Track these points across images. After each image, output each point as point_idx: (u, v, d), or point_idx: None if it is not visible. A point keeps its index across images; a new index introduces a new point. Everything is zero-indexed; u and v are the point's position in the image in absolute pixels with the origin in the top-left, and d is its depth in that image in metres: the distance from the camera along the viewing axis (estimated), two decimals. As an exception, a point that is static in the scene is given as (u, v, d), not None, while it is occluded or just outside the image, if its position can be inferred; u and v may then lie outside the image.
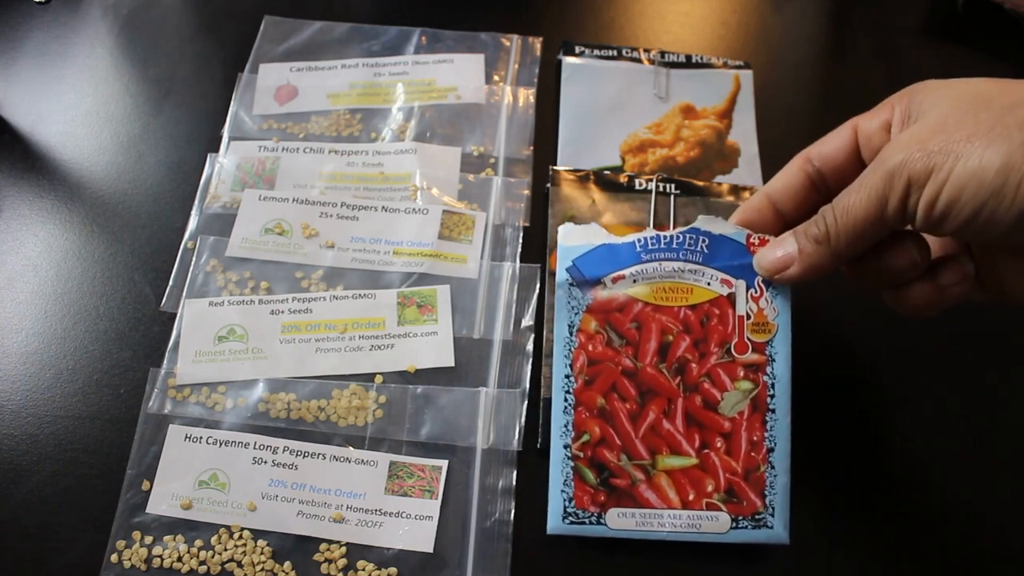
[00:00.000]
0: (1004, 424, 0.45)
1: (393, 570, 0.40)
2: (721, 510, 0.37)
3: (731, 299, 0.38)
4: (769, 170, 0.53)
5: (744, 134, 0.55)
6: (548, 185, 0.51)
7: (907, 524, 0.42)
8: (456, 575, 0.40)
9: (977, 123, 0.29)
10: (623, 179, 0.51)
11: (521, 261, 0.49)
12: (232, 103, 0.55)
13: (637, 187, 0.51)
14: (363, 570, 0.40)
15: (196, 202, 0.51)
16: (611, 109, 0.55)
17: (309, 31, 0.59)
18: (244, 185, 0.51)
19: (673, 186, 0.51)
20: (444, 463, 0.42)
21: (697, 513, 0.37)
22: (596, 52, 0.58)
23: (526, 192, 0.52)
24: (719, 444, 0.37)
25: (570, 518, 0.37)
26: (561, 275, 0.38)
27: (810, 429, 0.42)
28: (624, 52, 0.58)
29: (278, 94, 0.56)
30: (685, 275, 0.38)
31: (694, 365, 0.38)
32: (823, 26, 0.62)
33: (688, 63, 0.58)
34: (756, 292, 0.38)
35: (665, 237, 0.38)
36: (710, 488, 0.37)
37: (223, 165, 0.52)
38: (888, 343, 0.47)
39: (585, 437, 0.37)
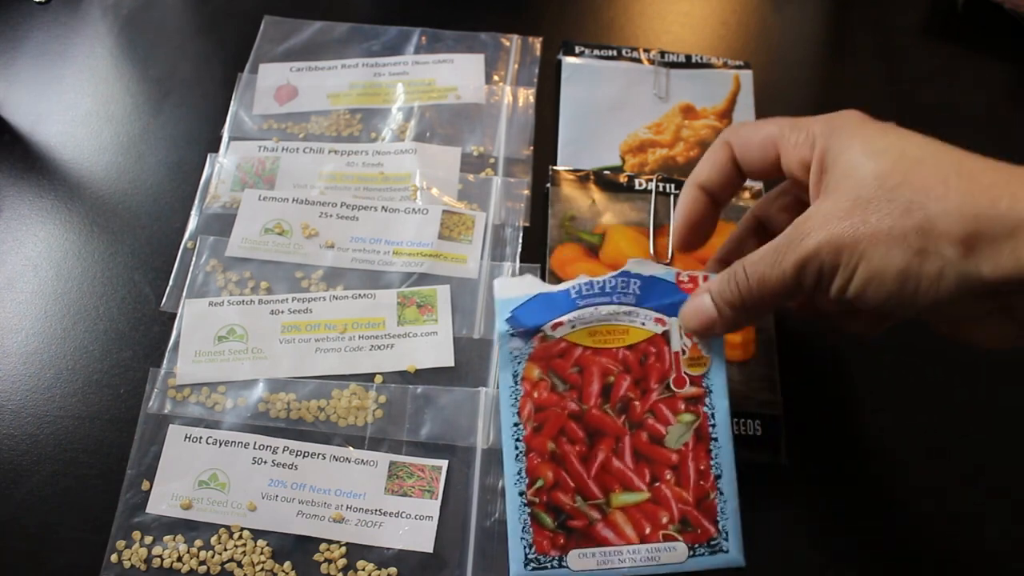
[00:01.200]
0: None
1: (393, 570, 0.40)
2: (678, 540, 0.38)
3: (666, 336, 0.39)
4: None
5: (744, 134, 0.55)
6: (548, 185, 0.51)
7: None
8: (456, 575, 0.40)
9: (880, 219, 0.30)
10: (623, 179, 0.51)
11: (521, 261, 0.49)
12: (232, 103, 0.55)
13: (637, 187, 0.51)
14: (363, 570, 0.40)
15: (196, 202, 0.51)
16: (611, 109, 0.55)
17: (309, 31, 0.59)
18: (244, 185, 0.51)
19: (673, 186, 0.51)
20: (444, 463, 0.42)
21: (655, 546, 0.38)
22: (596, 52, 0.58)
23: (526, 192, 0.52)
24: (668, 476, 0.38)
25: (532, 564, 0.38)
26: (501, 327, 0.39)
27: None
28: (624, 52, 0.58)
29: (278, 94, 0.56)
30: (620, 317, 0.39)
31: (637, 403, 0.39)
32: (823, 26, 0.62)
33: (688, 63, 0.58)
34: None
35: (598, 282, 0.39)
36: (665, 520, 0.38)
37: (223, 165, 0.52)
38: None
39: (539, 483, 0.38)
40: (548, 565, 0.38)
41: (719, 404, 0.39)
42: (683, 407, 0.39)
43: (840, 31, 0.62)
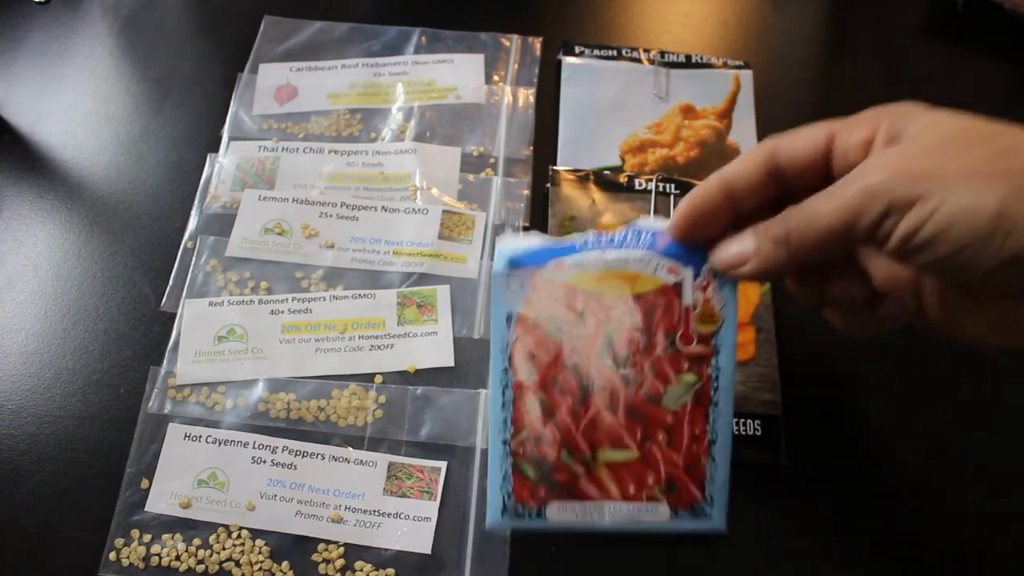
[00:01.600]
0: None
1: (391, 571, 0.40)
2: (661, 502, 0.37)
3: (678, 289, 0.36)
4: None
5: (744, 134, 0.55)
6: (548, 185, 0.51)
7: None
8: None
9: (974, 158, 0.27)
10: (623, 179, 0.51)
11: (521, 261, 0.49)
12: (232, 103, 0.55)
13: (637, 187, 0.51)
14: (361, 571, 0.40)
15: (196, 202, 0.51)
16: (611, 109, 0.55)
17: (309, 31, 0.59)
18: (244, 185, 0.51)
19: (673, 186, 0.51)
20: (443, 464, 0.42)
21: (637, 505, 0.37)
22: (596, 52, 0.58)
23: (526, 192, 0.52)
24: (661, 437, 0.36)
25: (509, 514, 0.36)
26: (498, 265, 0.36)
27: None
28: (624, 52, 0.58)
29: (278, 94, 0.56)
30: (630, 264, 0.36)
31: (638, 357, 0.36)
32: (823, 26, 0.62)
33: (688, 63, 0.58)
34: (703, 281, 0.36)
35: (607, 235, 0.36)
36: (651, 480, 0.36)
37: (223, 165, 0.52)
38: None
39: (525, 432, 0.36)
40: (526, 515, 0.36)
41: (725, 366, 0.36)
42: (686, 366, 0.36)
43: (840, 31, 0.62)
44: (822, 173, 0.33)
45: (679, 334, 0.36)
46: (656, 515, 0.37)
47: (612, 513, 0.37)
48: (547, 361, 0.37)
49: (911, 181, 0.27)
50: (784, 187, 0.34)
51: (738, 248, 0.34)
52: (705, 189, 0.35)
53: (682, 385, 0.36)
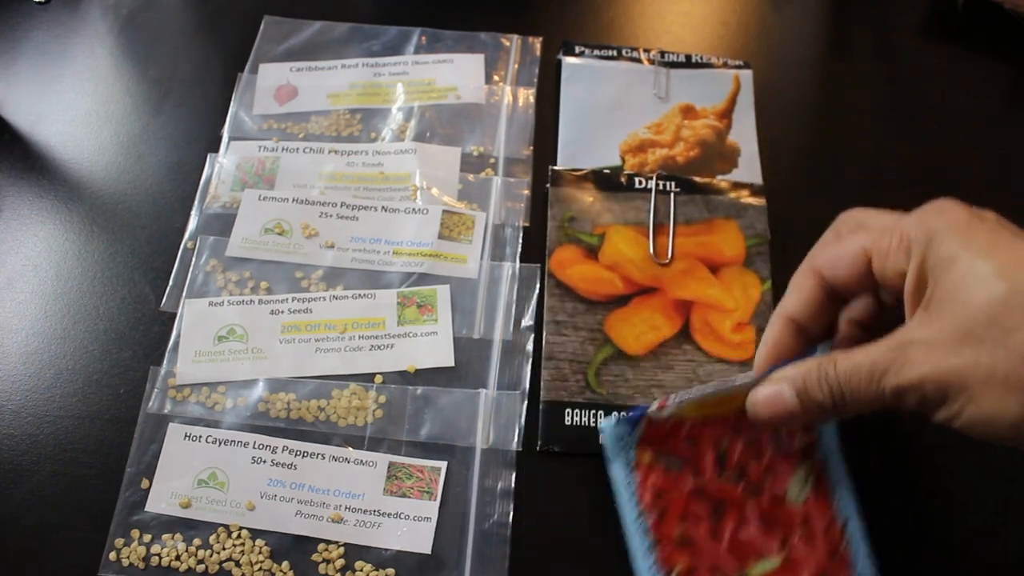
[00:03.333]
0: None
1: (391, 571, 0.40)
2: None
3: None
4: (769, 170, 0.53)
5: (744, 134, 0.55)
6: (548, 185, 0.51)
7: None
8: None
9: (994, 363, 0.28)
10: (623, 179, 0.51)
11: (521, 261, 0.49)
12: (232, 103, 0.55)
13: (637, 186, 0.51)
14: (361, 571, 0.40)
15: (196, 202, 0.51)
16: (611, 109, 0.55)
17: (309, 31, 0.59)
18: (244, 185, 0.51)
19: (673, 184, 0.51)
20: (443, 464, 0.42)
21: None
22: (596, 52, 0.58)
23: (526, 192, 0.52)
24: (799, 535, 0.37)
25: None
26: (605, 424, 0.39)
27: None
28: (624, 52, 0.58)
29: (278, 94, 0.56)
30: (725, 385, 0.38)
31: (753, 464, 0.38)
32: (823, 26, 0.62)
33: (688, 63, 0.58)
34: None
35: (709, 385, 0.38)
36: None
37: (223, 165, 0.52)
38: None
39: (675, 572, 0.37)
40: None
41: (830, 447, 0.38)
42: (799, 459, 0.38)
43: (840, 31, 0.62)
44: (867, 281, 0.34)
45: (782, 432, 0.38)
46: None
47: None
48: (675, 494, 0.38)
49: (940, 387, 0.29)
50: (837, 299, 0.36)
51: (781, 408, 0.35)
52: (773, 335, 0.37)
53: (799, 479, 0.38)
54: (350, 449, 0.43)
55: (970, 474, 0.43)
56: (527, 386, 0.45)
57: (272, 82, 0.56)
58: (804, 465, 0.38)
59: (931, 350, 0.30)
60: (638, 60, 0.57)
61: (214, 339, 0.46)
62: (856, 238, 0.34)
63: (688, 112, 0.56)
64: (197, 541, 0.40)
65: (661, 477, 0.38)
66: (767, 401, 0.35)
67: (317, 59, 0.58)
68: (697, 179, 0.51)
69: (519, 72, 0.57)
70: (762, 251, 0.49)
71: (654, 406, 0.38)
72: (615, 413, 0.39)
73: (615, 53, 0.58)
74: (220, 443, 0.43)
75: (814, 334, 0.37)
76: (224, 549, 0.40)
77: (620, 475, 0.38)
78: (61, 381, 0.45)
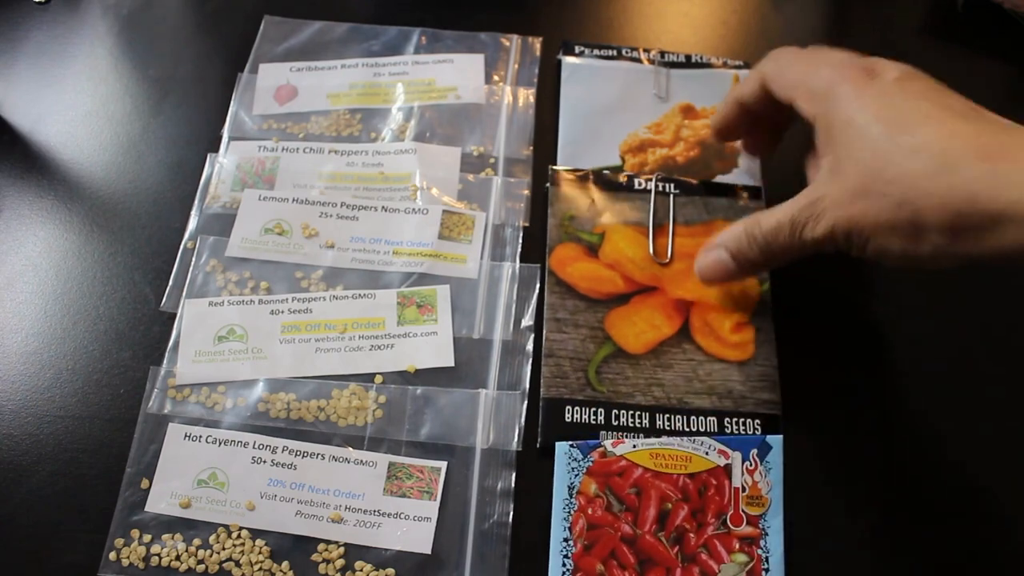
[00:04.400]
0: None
1: (391, 571, 0.40)
2: None
3: (727, 470, 0.39)
4: (769, 170, 0.53)
5: (744, 134, 0.55)
6: (548, 185, 0.51)
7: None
8: None
9: (879, 211, 0.35)
10: (623, 179, 0.51)
11: (521, 261, 0.49)
12: (232, 103, 0.55)
13: (636, 187, 0.51)
14: (361, 571, 0.40)
15: (196, 202, 0.51)
16: (611, 109, 0.55)
17: (309, 31, 0.59)
18: (244, 185, 0.51)
19: (672, 185, 0.51)
20: (443, 464, 0.42)
21: None
22: (596, 52, 0.58)
23: (526, 192, 0.52)
24: None
25: None
26: (562, 445, 0.40)
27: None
28: (624, 52, 0.58)
29: (278, 94, 0.56)
30: (684, 443, 0.39)
31: (692, 535, 0.39)
32: (823, 25, 0.62)
33: (688, 63, 0.58)
34: (751, 465, 0.40)
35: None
36: None
37: (223, 165, 0.52)
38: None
39: None
40: None
41: (775, 548, 0.39)
42: (738, 546, 0.38)
43: (840, 31, 0.62)
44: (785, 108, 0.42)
45: (729, 514, 0.39)
46: None
47: None
48: (606, 533, 0.39)
49: (845, 233, 0.37)
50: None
51: (721, 268, 0.43)
52: (724, 108, 0.47)
53: (735, 565, 0.38)
54: (350, 449, 0.43)
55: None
56: (527, 386, 0.45)
57: (272, 82, 0.56)
58: (742, 555, 0.38)
59: (836, 205, 0.37)
60: (638, 60, 0.57)
61: (214, 339, 0.46)
62: (795, 65, 0.42)
63: (688, 112, 0.56)
64: (197, 541, 0.40)
65: (600, 512, 0.39)
66: (710, 265, 0.44)
67: (317, 59, 0.58)
68: (696, 182, 0.52)
69: (519, 72, 0.57)
70: (762, 251, 0.49)
71: (609, 441, 0.40)
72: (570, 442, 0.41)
73: (615, 53, 0.58)
74: (220, 443, 0.43)
75: (758, 114, 0.45)
76: (224, 549, 0.40)
77: (561, 495, 0.39)
78: (61, 381, 0.45)
